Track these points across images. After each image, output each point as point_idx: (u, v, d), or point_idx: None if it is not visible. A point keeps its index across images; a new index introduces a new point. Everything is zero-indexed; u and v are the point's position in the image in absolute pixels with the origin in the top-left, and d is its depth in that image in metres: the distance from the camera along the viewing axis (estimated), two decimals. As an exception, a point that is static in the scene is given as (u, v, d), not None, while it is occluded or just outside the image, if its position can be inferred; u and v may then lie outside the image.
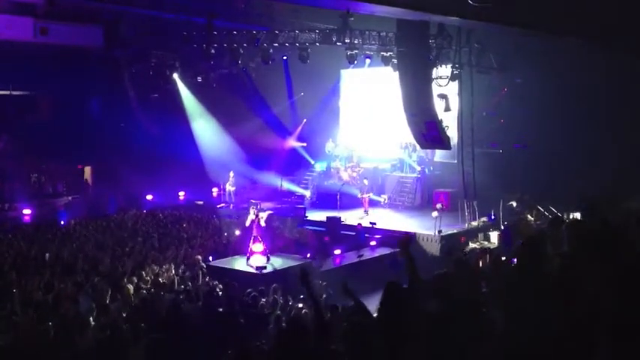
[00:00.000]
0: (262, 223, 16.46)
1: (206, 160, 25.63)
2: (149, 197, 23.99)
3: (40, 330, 9.32)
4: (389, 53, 19.91)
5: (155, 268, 14.10)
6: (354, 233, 19.44)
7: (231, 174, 24.24)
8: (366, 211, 21.93)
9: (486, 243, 17.69)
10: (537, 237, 4.93)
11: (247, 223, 16.42)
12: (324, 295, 12.81)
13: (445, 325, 4.26)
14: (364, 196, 22.34)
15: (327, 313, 5.05)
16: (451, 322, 4.26)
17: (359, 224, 19.78)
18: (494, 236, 18.15)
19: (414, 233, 18.26)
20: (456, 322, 4.28)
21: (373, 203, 23.07)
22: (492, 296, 5.05)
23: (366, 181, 22.75)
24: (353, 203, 22.31)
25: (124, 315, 10.88)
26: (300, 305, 11.41)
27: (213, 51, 20.91)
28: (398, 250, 5.38)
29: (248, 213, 16.71)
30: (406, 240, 5.34)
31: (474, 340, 4.38)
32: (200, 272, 14.40)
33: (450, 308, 4.36)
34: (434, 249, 18.06)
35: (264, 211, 17.17)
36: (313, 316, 5.09)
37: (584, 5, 12.54)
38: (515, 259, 5.08)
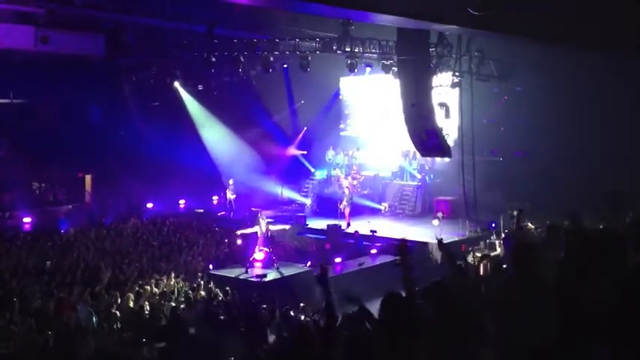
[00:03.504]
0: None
1: (209, 168, 25.62)
2: (149, 205, 23.97)
3: (39, 339, 9.31)
4: (389, 61, 19.94)
5: (156, 276, 14.09)
6: (353, 241, 19.41)
7: (231, 182, 24.25)
8: (348, 224, 21.07)
9: (487, 251, 17.63)
10: (527, 244, 4.92)
11: (259, 234, 16.30)
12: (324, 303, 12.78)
13: (443, 333, 4.25)
14: (344, 205, 21.44)
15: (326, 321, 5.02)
16: (449, 330, 4.26)
17: (356, 231, 19.76)
18: (497, 244, 18.10)
19: (412, 241, 18.21)
20: (454, 329, 4.28)
21: (373, 211, 23.05)
22: (490, 303, 5.05)
23: (347, 191, 21.88)
24: (354, 211, 22.26)
25: (125, 324, 10.87)
26: (302, 316, 11.42)
27: (213, 59, 20.94)
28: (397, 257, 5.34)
29: (257, 223, 16.59)
30: (403, 246, 5.29)
31: (472, 347, 4.37)
32: (201, 281, 14.39)
33: (447, 316, 4.36)
34: (435, 257, 18.00)
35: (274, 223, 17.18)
36: (325, 319, 5.06)
37: (583, 12, 12.56)
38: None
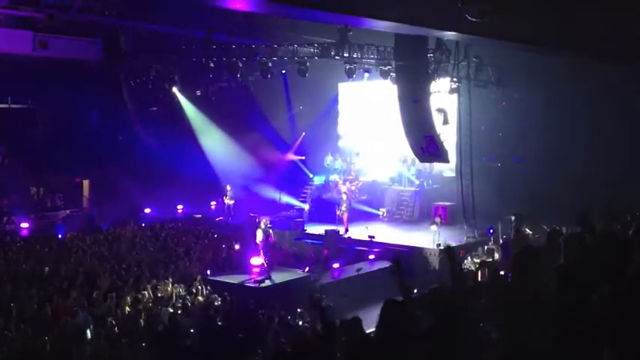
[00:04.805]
0: (273, 237, 16.40)
1: (207, 173, 25.58)
2: (147, 210, 23.94)
3: (35, 344, 9.28)
4: (387, 67, 19.96)
5: (153, 282, 14.05)
6: (345, 246, 19.40)
7: (229, 187, 24.17)
8: (346, 230, 20.78)
9: (485, 257, 17.62)
10: (529, 249, 4.91)
11: (259, 238, 16.17)
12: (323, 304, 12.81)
13: (441, 340, 4.24)
14: (342, 211, 21.20)
15: (324, 327, 5.01)
16: (447, 337, 4.25)
17: (349, 237, 19.71)
18: (495, 250, 18.09)
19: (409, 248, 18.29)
20: (452, 336, 4.27)
21: (371, 217, 23.02)
22: (489, 310, 5.04)
23: (345, 196, 21.57)
24: (352, 217, 22.21)
25: (122, 329, 10.84)
26: (300, 322, 11.40)
27: (212, 65, 20.97)
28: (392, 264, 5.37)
29: (258, 227, 16.47)
30: (397, 263, 5.33)
31: (471, 353, 4.36)
32: (198, 286, 14.35)
33: (446, 322, 4.35)
34: (433, 263, 18.01)
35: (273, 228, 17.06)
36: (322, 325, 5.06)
37: (582, 19, 12.60)
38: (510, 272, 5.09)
